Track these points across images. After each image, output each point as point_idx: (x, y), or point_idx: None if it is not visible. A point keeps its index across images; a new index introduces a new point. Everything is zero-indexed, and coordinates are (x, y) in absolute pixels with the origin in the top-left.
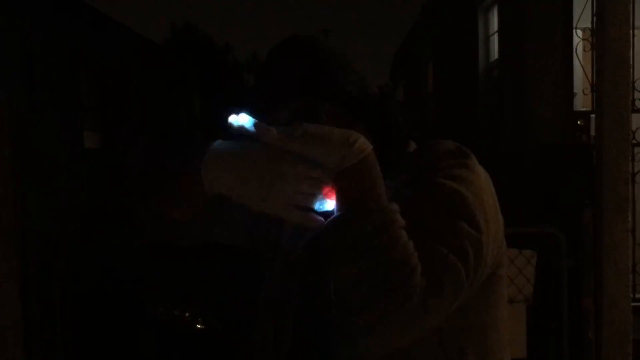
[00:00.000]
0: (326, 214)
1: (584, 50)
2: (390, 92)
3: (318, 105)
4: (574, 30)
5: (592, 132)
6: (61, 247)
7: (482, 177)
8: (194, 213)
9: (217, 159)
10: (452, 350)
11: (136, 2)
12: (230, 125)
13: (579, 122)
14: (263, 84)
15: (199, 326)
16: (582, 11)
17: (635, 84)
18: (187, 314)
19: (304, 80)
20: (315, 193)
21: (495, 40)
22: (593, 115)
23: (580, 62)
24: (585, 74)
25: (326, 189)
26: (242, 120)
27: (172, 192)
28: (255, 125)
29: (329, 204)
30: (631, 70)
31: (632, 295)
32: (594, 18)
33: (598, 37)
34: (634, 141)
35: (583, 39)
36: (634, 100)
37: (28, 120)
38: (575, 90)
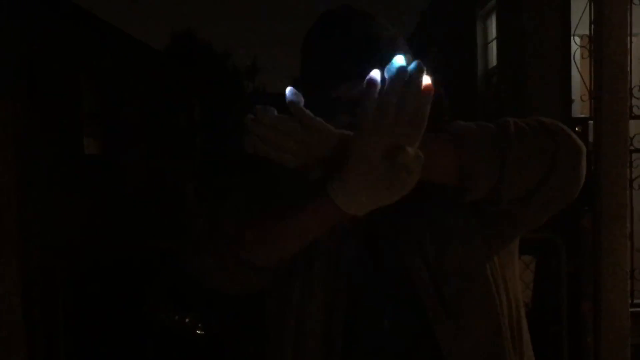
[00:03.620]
0: None
1: (582, 57)
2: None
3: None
4: (571, 37)
5: (591, 139)
6: (63, 252)
7: None
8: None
9: (344, 183)
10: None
11: (136, 9)
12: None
13: (577, 129)
14: (350, 50)
15: (199, 332)
16: (580, 18)
17: (633, 91)
18: (187, 320)
19: (388, 51)
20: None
21: (493, 47)
22: (591, 122)
23: (578, 69)
24: (583, 80)
25: None
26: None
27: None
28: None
29: None
30: (629, 77)
31: (630, 301)
32: (592, 25)
33: (596, 44)
34: (631, 147)
35: (581, 46)
36: (631, 106)
37: (30, 125)
38: (573, 97)
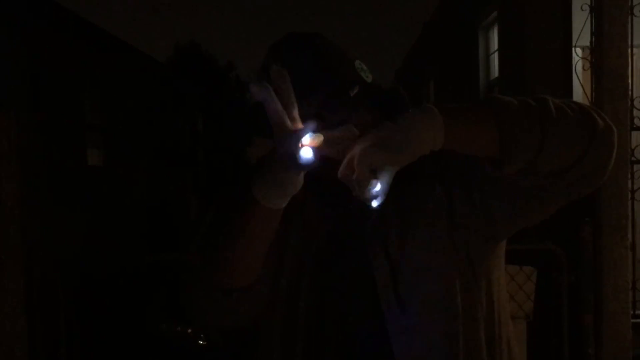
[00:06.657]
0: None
1: (583, 68)
2: (397, 86)
3: (342, 94)
4: (573, 49)
5: None
6: (65, 263)
7: None
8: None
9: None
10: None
11: (140, 21)
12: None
13: None
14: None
15: (201, 342)
16: (581, 30)
17: (634, 102)
18: (189, 330)
19: (328, 69)
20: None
21: (495, 59)
22: None
23: (579, 80)
24: (584, 92)
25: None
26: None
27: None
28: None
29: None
30: (630, 88)
31: (632, 312)
32: (593, 37)
33: (597, 55)
34: (633, 158)
35: (582, 58)
36: (632, 118)
37: (33, 136)
38: None
